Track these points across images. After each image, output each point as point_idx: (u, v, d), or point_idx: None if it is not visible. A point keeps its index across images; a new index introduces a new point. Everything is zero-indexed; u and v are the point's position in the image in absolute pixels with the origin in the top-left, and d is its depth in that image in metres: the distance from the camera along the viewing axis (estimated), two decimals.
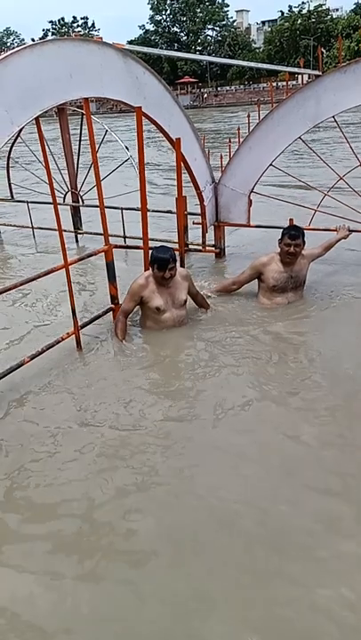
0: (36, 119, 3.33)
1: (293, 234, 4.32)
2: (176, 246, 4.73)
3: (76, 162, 7.02)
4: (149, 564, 2.17)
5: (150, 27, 77.48)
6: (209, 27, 75.92)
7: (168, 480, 2.62)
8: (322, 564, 2.12)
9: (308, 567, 2.11)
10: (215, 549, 2.21)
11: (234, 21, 79.24)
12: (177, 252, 4.32)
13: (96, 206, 4.24)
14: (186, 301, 4.21)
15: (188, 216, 6.00)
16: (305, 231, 4.48)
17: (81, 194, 7.18)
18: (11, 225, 8.12)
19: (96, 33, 77.65)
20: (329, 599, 1.97)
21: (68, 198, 7.27)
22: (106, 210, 4.09)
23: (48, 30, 78.48)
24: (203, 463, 2.74)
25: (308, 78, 6.15)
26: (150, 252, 4.05)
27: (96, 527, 2.37)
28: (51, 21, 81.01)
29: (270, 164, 5.32)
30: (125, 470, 2.69)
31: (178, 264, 4.19)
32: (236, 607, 1.97)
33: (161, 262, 3.89)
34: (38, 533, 2.36)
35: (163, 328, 4.11)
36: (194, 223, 5.94)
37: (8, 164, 7.92)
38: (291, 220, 4.72)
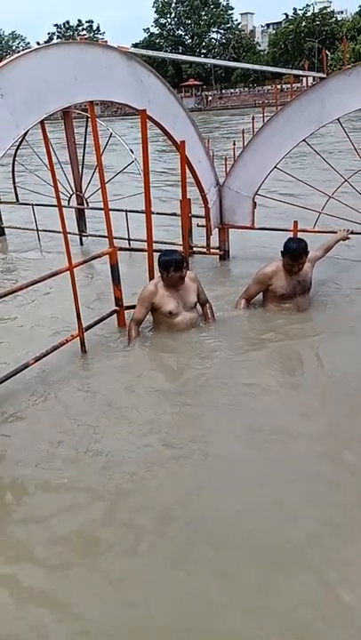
0: (41, 122, 3.35)
1: (295, 251, 4.19)
2: (180, 249, 4.73)
3: (80, 164, 7.05)
4: (151, 572, 2.17)
5: (155, 30, 77.65)
6: (213, 30, 75.97)
7: (169, 488, 2.59)
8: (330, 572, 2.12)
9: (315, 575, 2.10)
10: (217, 559, 2.20)
11: (238, 24, 79.21)
12: None
13: (101, 209, 4.25)
14: (196, 303, 4.24)
15: (193, 218, 6.00)
16: (309, 233, 4.45)
17: (86, 196, 7.21)
18: (16, 227, 8.15)
19: (101, 36, 77.90)
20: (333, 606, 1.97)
21: (73, 201, 7.30)
22: (110, 212, 4.10)
23: (53, 34, 78.76)
24: (205, 472, 2.71)
25: (313, 81, 6.15)
26: (160, 257, 4.07)
27: (93, 533, 2.36)
28: (56, 25, 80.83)
29: (275, 167, 5.32)
30: (124, 478, 2.67)
31: None
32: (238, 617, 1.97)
33: (177, 263, 3.96)
34: (36, 541, 2.35)
35: (176, 331, 4.11)
36: (198, 225, 5.94)
37: (13, 166, 7.96)
38: (295, 222, 4.70)
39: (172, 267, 3.96)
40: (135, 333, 4.08)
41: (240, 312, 4.45)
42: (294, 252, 4.20)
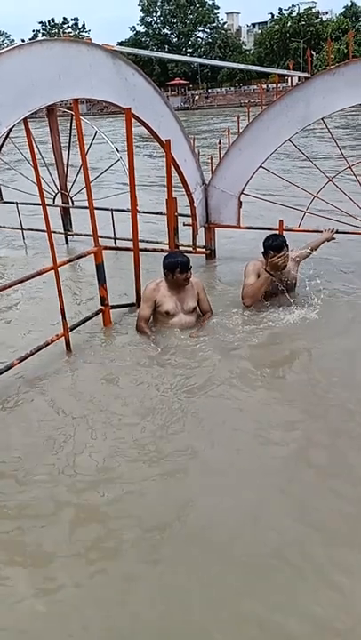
0: (25, 120, 3.31)
1: (276, 245, 4.20)
2: (166, 247, 4.72)
3: (65, 163, 6.99)
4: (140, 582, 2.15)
5: (141, 28, 77.35)
6: (199, 29, 75.94)
7: (153, 495, 2.56)
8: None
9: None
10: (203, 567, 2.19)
11: (224, 23, 79.32)
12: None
13: (86, 207, 4.22)
14: (195, 308, 4.27)
15: (179, 217, 6.00)
16: (294, 232, 4.46)
17: (71, 195, 7.15)
18: (0, 227, 8.05)
19: (86, 34, 77.40)
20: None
21: (58, 200, 7.24)
22: (96, 211, 4.07)
23: (38, 31, 78.07)
24: (190, 477, 2.69)
25: (298, 80, 6.17)
26: (165, 259, 4.14)
27: (75, 540, 2.33)
28: (41, 22, 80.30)
29: (260, 166, 5.33)
30: (106, 485, 2.62)
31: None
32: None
33: (183, 265, 4.06)
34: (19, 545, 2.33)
35: (172, 331, 4.13)
36: (184, 225, 5.94)
37: None
38: (281, 221, 4.72)
39: (177, 268, 4.05)
40: (149, 331, 4.13)
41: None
42: (273, 245, 4.21)
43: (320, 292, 4.73)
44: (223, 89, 67.63)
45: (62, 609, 2.02)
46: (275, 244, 4.23)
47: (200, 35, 77.00)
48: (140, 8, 75.53)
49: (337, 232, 5.16)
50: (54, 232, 4.08)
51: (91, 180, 3.99)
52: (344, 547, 2.21)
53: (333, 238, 5.13)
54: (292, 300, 4.49)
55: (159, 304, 4.15)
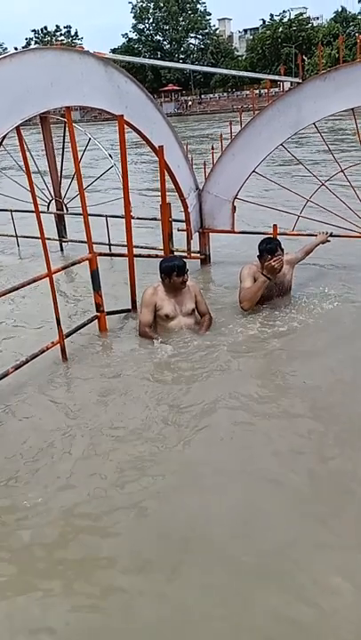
0: (17, 128, 3.32)
1: (270, 248, 4.25)
2: (161, 253, 4.73)
3: (59, 170, 7.00)
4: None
5: (133, 35, 77.84)
6: (192, 35, 76.39)
7: (148, 502, 2.54)
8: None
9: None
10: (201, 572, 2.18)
11: (216, 30, 79.82)
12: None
13: (80, 214, 4.23)
14: (194, 310, 4.29)
15: (173, 223, 6.01)
16: (287, 236, 4.48)
17: (65, 202, 7.16)
18: None
19: (79, 42, 77.73)
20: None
21: (52, 206, 7.24)
22: (91, 218, 4.08)
23: (31, 39, 78.38)
24: (187, 483, 2.67)
25: (290, 85, 6.21)
26: (162, 263, 4.18)
27: (71, 549, 2.31)
28: (34, 30, 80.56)
29: (253, 171, 5.36)
30: (101, 496, 2.59)
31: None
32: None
33: (180, 268, 4.11)
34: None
35: (169, 335, 4.15)
36: (178, 230, 5.95)
37: None
38: (275, 226, 4.75)
39: (174, 272, 4.08)
40: (155, 335, 4.14)
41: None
42: (268, 248, 4.25)
43: (316, 296, 4.75)
44: (216, 95, 67.99)
45: (61, 613, 2.01)
46: (269, 247, 4.27)
47: (192, 41, 77.53)
48: (133, 15, 76.01)
49: (331, 235, 5.18)
50: (49, 239, 4.08)
51: (84, 186, 4.00)
52: (348, 547, 2.21)
53: (328, 240, 5.15)
54: (287, 304, 4.52)
55: (159, 308, 4.17)
